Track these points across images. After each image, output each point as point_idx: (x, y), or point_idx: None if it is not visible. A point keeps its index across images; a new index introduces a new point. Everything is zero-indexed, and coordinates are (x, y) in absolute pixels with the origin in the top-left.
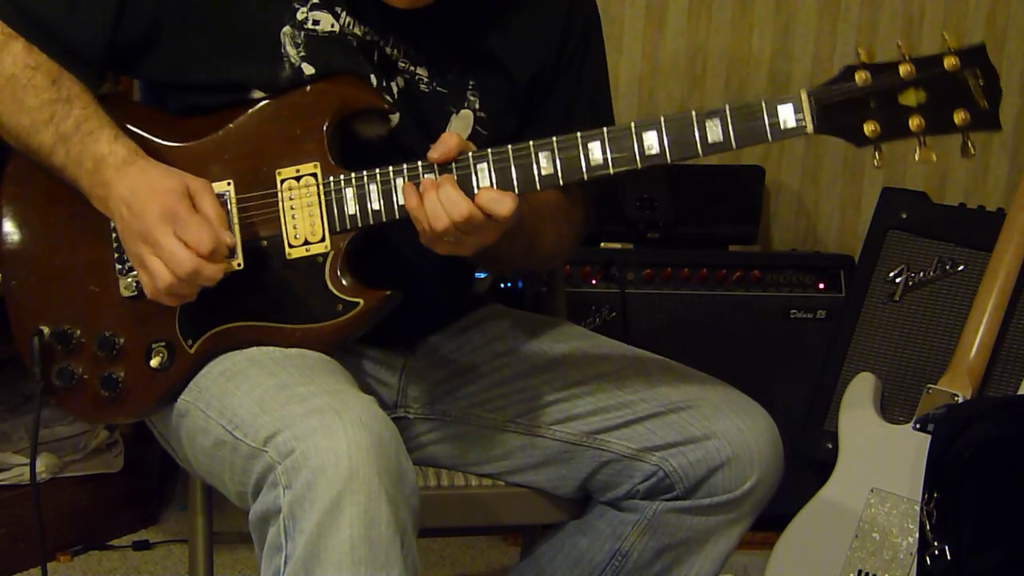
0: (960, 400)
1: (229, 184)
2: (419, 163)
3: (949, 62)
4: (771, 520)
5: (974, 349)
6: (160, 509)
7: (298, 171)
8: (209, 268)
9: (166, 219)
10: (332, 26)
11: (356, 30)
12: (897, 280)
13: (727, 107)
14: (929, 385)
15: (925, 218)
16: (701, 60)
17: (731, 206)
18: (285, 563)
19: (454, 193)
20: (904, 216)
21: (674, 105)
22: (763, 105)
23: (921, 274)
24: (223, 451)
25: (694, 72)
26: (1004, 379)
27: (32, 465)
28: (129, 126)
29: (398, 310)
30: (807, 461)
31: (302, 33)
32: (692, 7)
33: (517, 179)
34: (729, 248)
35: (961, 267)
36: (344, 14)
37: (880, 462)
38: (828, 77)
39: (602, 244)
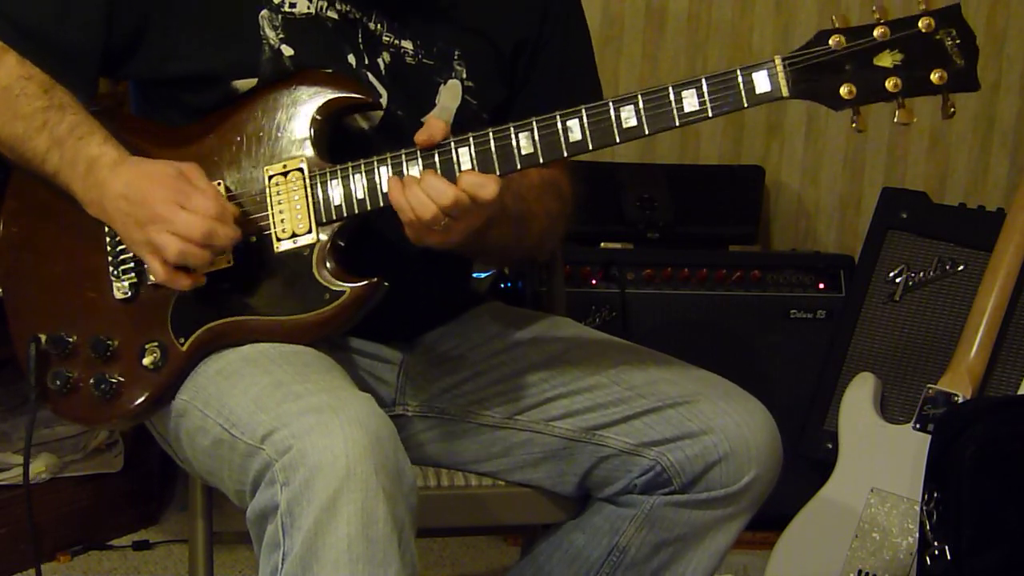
0: (960, 400)
1: (219, 184)
2: (403, 152)
3: (924, 23)
4: (771, 520)
5: (974, 349)
6: (160, 509)
7: (285, 167)
8: (223, 228)
9: (169, 199)
10: (308, 8)
11: (332, 12)
12: (897, 280)
13: (703, 77)
14: (929, 385)
15: (925, 218)
16: (701, 60)
17: (731, 206)
18: (283, 560)
19: (437, 181)
20: (904, 216)
21: None
22: (738, 73)
23: (921, 274)
24: (221, 450)
25: (694, 72)
26: (1004, 379)
27: (25, 468)
28: (121, 135)
29: (395, 306)
30: (807, 461)
31: (279, 16)
32: (692, 7)
33: (498, 160)
34: (729, 248)
35: (961, 267)
36: None
37: (880, 462)
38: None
39: (602, 244)
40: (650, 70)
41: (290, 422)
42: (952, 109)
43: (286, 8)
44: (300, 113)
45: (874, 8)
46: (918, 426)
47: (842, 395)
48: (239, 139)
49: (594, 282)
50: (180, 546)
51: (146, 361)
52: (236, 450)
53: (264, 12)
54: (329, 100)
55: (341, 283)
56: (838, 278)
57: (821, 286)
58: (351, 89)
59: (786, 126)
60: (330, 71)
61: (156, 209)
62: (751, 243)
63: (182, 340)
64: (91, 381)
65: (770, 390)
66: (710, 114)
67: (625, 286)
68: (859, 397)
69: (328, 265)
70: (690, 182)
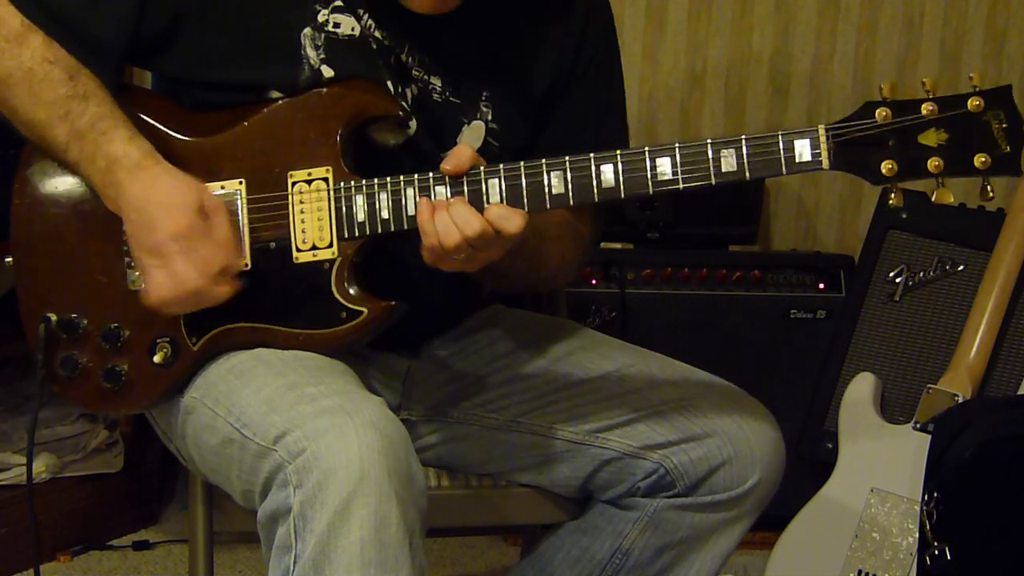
0: (960, 400)
1: (240, 183)
2: (431, 174)
3: (973, 103)
4: (771, 520)
5: (974, 349)
6: (160, 509)
7: (310, 174)
8: (214, 289)
9: (177, 238)
10: (353, 29)
11: (377, 33)
12: (897, 280)
13: (743, 137)
14: (929, 385)
15: (925, 218)
16: (701, 60)
17: (731, 206)
18: (295, 562)
19: (465, 210)
20: (904, 216)
21: (674, 105)
22: (780, 138)
23: (921, 274)
24: (231, 449)
25: (694, 72)
26: (1004, 379)
27: (29, 453)
28: (144, 116)
29: (403, 316)
30: (807, 461)
31: (322, 35)
32: (692, 7)
33: (528, 197)
34: (729, 248)
35: (961, 267)
36: (367, 17)
37: (880, 462)
38: (843, 105)
39: (602, 244)
40: (650, 70)
41: (303, 424)
42: (991, 193)
43: (330, 28)
44: (329, 120)
45: (923, 81)
46: (918, 426)
47: (842, 395)
48: (264, 138)
49: (594, 282)
50: (180, 546)
51: (156, 358)
52: (247, 450)
53: (307, 30)
54: (359, 109)
55: (359, 303)
56: (838, 278)
57: (821, 286)
58: (383, 100)
59: (786, 126)
60: (364, 81)
61: (160, 244)
62: (751, 243)
63: (194, 339)
64: (100, 370)
65: (770, 390)
66: (747, 176)
67: (625, 286)
68: (859, 397)
69: (347, 284)
70: None
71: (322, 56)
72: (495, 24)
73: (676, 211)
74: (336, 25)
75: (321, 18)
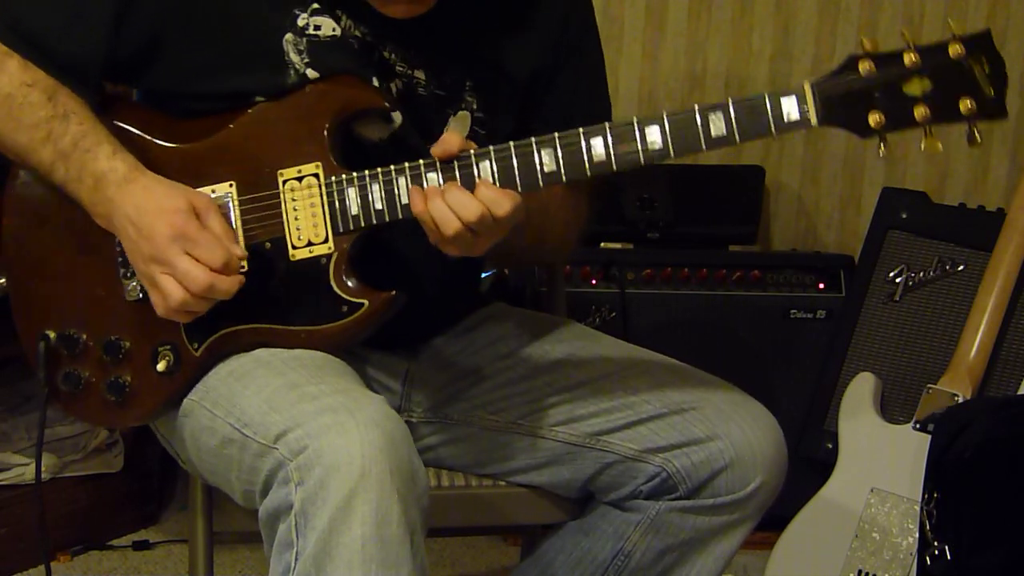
0: (960, 400)
1: (231, 185)
2: (421, 162)
3: (954, 50)
4: (771, 520)
5: (974, 349)
6: (160, 509)
7: (300, 171)
8: (224, 282)
9: (176, 239)
10: (334, 30)
11: (357, 32)
12: (897, 280)
13: (730, 101)
14: (929, 385)
15: (925, 218)
16: (701, 60)
17: (731, 206)
18: (296, 559)
19: (460, 195)
20: (904, 216)
21: (674, 105)
22: (766, 98)
23: (921, 274)
24: (230, 449)
25: (694, 72)
26: (1004, 379)
27: (38, 468)
28: (128, 128)
29: (402, 313)
30: (807, 461)
31: (304, 39)
32: (692, 7)
33: (520, 176)
34: (729, 248)
35: (961, 267)
36: (345, 17)
37: (880, 462)
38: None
39: (602, 244)
40: (650, 70)
41: (305, 422)
42: (979, 137)
43: (311, 31)
44: (316, 117)
45: (903, 32)
46: (918, 426)
47: (842, 395)
48: (252, 140)
49: (594, 282)
50: (180, 546)
51: (160, 366)
52: (247, 450)
53: (288, 36)
54: (345, 104)
55: (359, 296)
56: (838, 278)
57: (821, 286)
58: (367, 92)
59: None
60: (347, 76)
61: (161, 250)
62: (751, 243)
63: (196, 345)
64: (103, 383)
65: (770, 390)
66: (738, 139)
67: (625, 286)
68: (859, 397)
69: (345, 276)
70: (690, 182)
71: (306, 60)
72: (474, 13)
73: (676, 211)
74: (317, 28)
75: (301, 22)
